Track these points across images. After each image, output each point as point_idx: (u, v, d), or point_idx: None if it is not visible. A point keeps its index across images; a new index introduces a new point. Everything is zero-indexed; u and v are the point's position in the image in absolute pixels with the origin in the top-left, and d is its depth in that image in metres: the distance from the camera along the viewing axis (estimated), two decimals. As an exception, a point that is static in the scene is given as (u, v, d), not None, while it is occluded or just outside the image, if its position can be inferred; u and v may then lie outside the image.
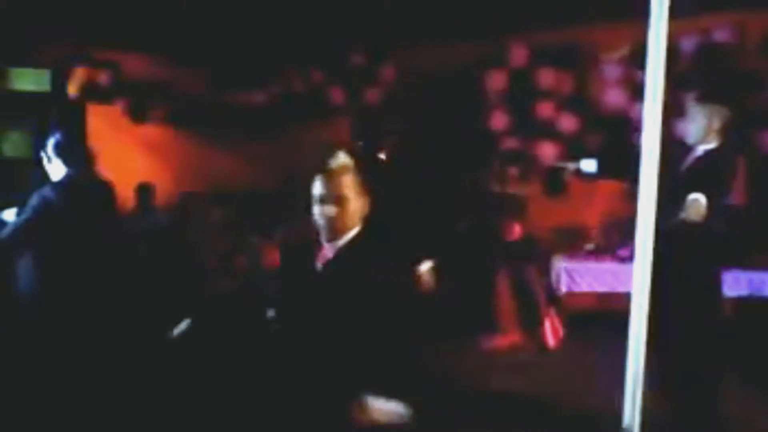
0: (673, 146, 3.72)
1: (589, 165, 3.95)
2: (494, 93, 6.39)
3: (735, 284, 5.20)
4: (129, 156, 6.89)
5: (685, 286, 3.51)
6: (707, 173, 3.44)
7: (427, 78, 6.52)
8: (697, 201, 3.21)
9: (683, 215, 3.24)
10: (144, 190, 6.48)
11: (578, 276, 5.69)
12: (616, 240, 5.74)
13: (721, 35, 5.69)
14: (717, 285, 3.62)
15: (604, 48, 5.99)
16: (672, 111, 3.89)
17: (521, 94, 6.28)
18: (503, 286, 5.61)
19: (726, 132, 3.57)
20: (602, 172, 3.97)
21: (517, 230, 5.83)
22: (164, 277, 5.23)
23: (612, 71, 5.96)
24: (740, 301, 5.28)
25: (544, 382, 4.83)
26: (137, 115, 6.92)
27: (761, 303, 5.26)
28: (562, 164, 4.21)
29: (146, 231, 5.94)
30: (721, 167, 3.49)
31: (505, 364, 5.14)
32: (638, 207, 2.99)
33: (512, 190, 5.85)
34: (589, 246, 5.97)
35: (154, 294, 4.81)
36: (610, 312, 5.38)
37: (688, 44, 5.72)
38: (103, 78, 6.54)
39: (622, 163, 3.80)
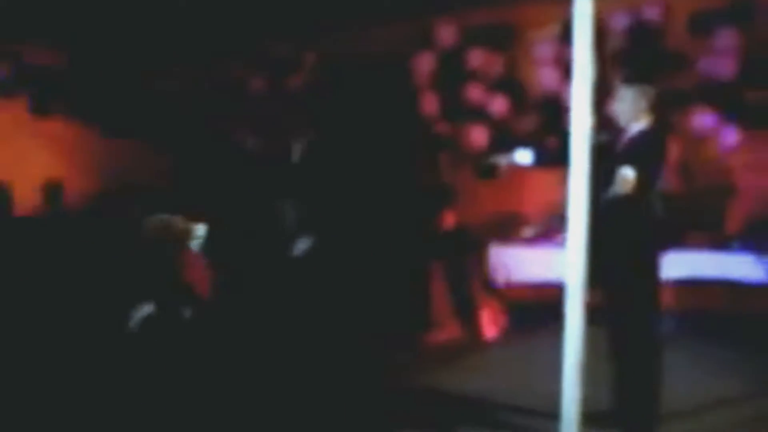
0: (610, 128, 3.66)
1: (523, 156, 3.83)
2: (423, 76, 6.21)
3: (674, 266, 5.18)
4: (33, 153, 6.44)
5: (623, 271, 3.46)
6: (639, 151, 3.42)
7: (352, 62, 6.29)
8: (625, 175, 3.23)
9: (613, 190, 3.25)
10: (52, 189, 6.05)
11: (519, 265, 5.57)
12: (556, 225, 5.62)
13: (649, 14, 5.66)
14: (656, 268, 3.57)
15: (534, 26, 5.87)
16: (607, 92, 3.85)
17: (450, 77, 6.12)
18: (438, 278, 5.46)
19: (655, 111, 3.56)
20: (539, 162, 3.86)
21: (450, 219, 5.67)
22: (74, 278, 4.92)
23: (543, 50, 5.85)
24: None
25: (484, 374, 4.70)
26: (40, 108, 6.47)
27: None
28: (494, 159, 4.04)
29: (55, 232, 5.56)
30: (653, 145, 3.49)
31: (443, 358, 5.00)
32: (570, 191, 2.89)
33: (444, 177, 5.71)
34: (529, 232, 5.83)
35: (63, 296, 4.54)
36: (553, 300, 5.32)
37: (618, 23, 5.66)
38: (3, 70, 6.10)
39: (559, 151, 3.72)
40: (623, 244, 3.40)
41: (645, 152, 3.41)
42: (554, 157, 3.89)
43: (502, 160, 3.91)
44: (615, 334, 3.52)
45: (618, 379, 3.54)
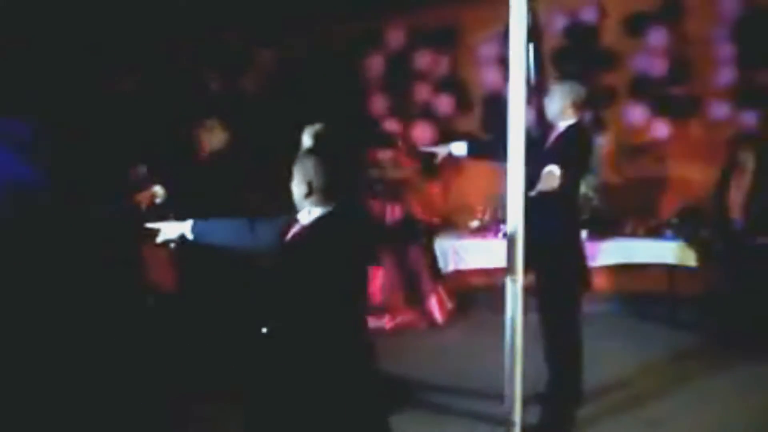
0: (543, 125, 3.85)
1: (459, 148, 3.99)
2: (372, 76, 6.36)
3: (612, 253, 5.44)
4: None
5: (548, 262, 3.62)
6: (565, 146, 3.57)
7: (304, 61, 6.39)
8: (551, 172, 3.31)
9: (539, 187, 3.32)
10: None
11: (464, 253, 5.78)
12: (499, 216, 5.84)
13: (586, 15, 5.91)
14: (579, 258, 3.81)
15: (479, 28, 6.06)
16: (545, 90, 4.04)
17: (398, 77, 6.28)
18: (388, 267, 5.66)
19: (582, 108, 3.72)
20: (473, 153, 4.02)
21: (398, 211, 5.87)
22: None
23: (486, 51, 6.06)
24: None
25: (432, 358, 4.92)
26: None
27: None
28: (432, 149, 4.22)
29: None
30: (578, 140, 3.64)
31: (393, 343, 5.16)
32: (508, 184, 3.06)
33: (391, 173, 5.89)
34: (474, 223, 6.05)
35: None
36: (496, 287, 5.55)
37: (556, 24, 5.90)
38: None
39: (492, 145, 3.91)
40: (548, 236, 3.50)
41: (569, 149, 3.54)
42: (487, 149, 4.08)
43: (440, 151, 4.07)
44: (541, 317, 3.72)
45: (545, 359, 3.75)
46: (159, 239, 2.70)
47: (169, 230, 2.67)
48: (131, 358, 4.43)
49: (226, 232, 2.64)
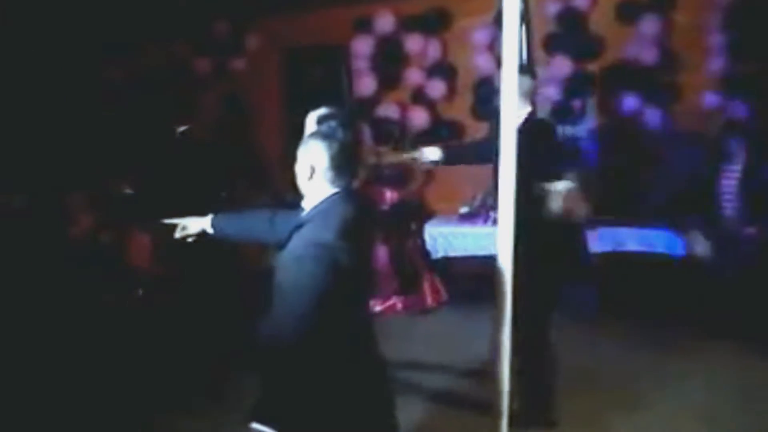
0: None
1: (433, 153, 3.90)
2: (362, 59, 6.31)
3: (602, 241, 5.44)
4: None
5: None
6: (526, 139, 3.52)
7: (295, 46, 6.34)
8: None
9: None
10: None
11: (454, 239, 5.77)
12: (489, 203, 5.83)
13: (578, 2, 5.88)
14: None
15: (469, 13, 6.02)
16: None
17: (389, 61, 6.24)
18: (381, 252, 5.64)
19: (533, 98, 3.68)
20: (449, 161, 3.93)
21: (392, 197, 5.86)
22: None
23: (477, 37, 6.02)
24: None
25: (421, 343, 4.94)
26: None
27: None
28: (408, 155, 4.11)
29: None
30: (538, 132, 3.58)
31: (382, 327, 5.15)
32: (499, 172, 3.03)
33: (388, 158, 5.87)
34: (464, 209, 6.04)
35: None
36: (487, 272, 5.54)
37: (549, 10, 5.87)
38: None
39: (469, 150, 3.86)
40: (538, 224, 3.45)
41: (533, 140, 3.40)
42: (463, 156, 4.03)
43: (414, 155, 3.95)
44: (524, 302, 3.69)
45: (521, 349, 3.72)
46: (177, 234, 2.67)
47: (190, 225, 2.65)
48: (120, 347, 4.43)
49: (245, 225, 2.61)
